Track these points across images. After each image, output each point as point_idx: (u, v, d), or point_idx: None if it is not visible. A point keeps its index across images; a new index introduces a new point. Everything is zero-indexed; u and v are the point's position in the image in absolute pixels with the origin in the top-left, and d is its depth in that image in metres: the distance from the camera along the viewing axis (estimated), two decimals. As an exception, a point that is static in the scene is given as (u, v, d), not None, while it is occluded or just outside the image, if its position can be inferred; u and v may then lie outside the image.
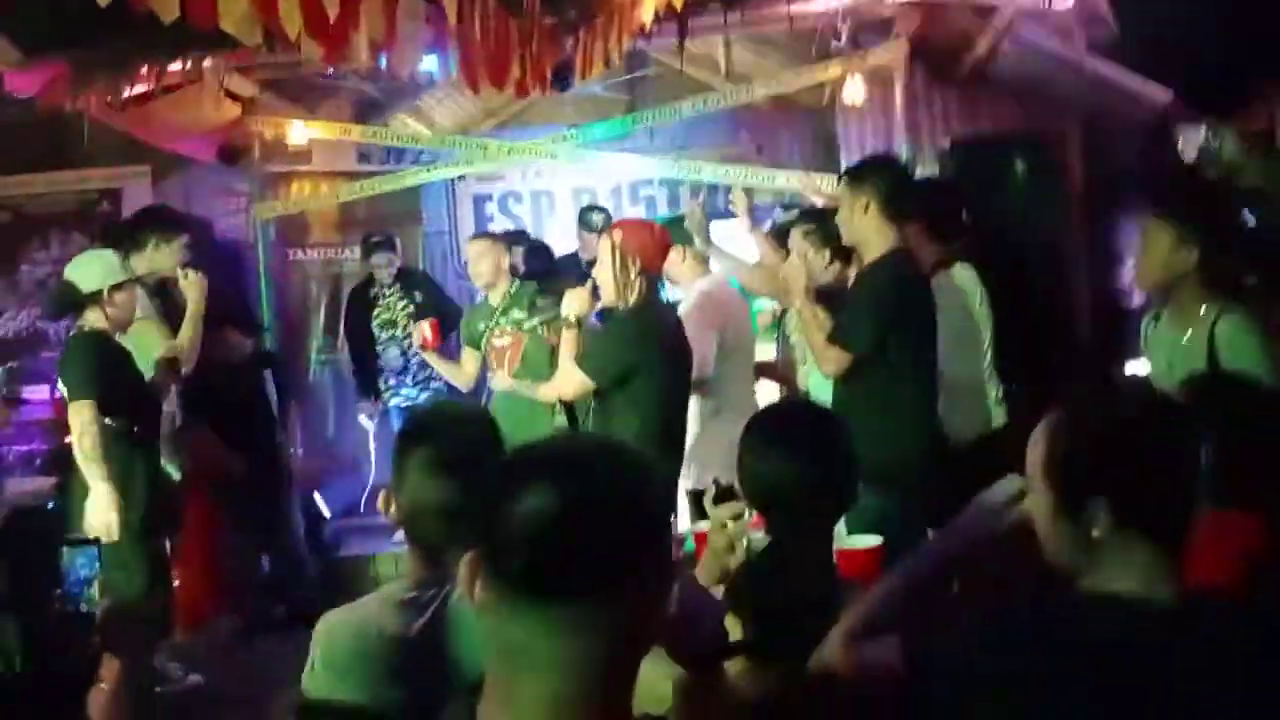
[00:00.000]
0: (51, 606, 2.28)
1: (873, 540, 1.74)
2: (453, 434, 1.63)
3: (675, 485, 3.36)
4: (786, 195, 5.59)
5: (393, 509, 1.66)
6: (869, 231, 3.05)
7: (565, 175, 6.95)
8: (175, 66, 4.63)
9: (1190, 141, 2.77)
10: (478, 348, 4.46)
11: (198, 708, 3.96)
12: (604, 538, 0.94)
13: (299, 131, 5.55)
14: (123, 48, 4.70)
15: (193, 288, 3.91)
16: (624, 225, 3.64)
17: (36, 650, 1.72)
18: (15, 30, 4.68)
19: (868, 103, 4.90)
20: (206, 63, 4.66)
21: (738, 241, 4.38)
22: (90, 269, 3.54)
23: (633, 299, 3.24)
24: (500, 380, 4.20)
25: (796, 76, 5.30)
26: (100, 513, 3.14)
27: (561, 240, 6.97)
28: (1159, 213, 2.74)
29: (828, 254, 3.55)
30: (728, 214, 5.80)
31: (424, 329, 4.33)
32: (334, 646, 1.60)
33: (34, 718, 1.71)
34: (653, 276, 3.34)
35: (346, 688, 1.57)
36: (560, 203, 7.11)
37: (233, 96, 5.34)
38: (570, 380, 3.30)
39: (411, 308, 5.50)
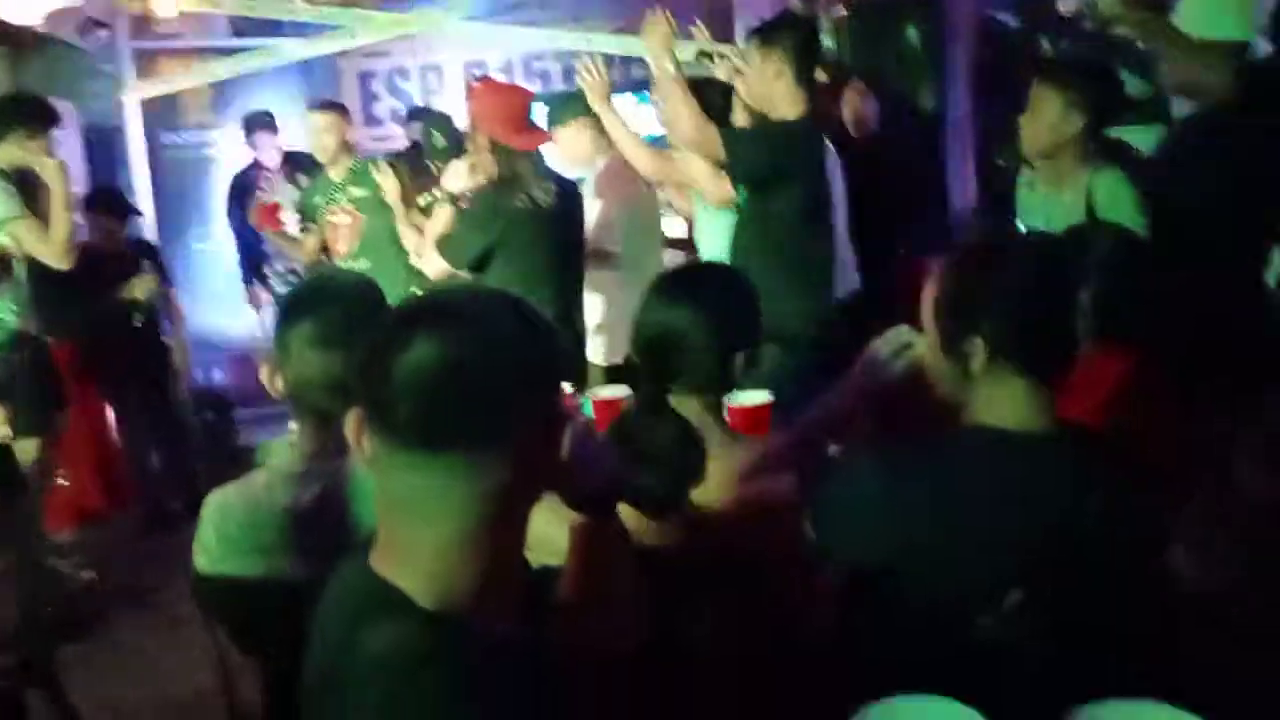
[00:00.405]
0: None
1: (761, 396, 1.77)
2: (335, 303, 1.59)
3: (567, 349, 3.30)
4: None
5: (278, 382, 1.62)
6: (779, 97, 2.95)
7: (455, 49, 6.69)
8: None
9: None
10: (315, 223, 4.37)
11: (91, 604, 3.90)
12: (484, 388, 0.93)
13: (166, 5, 5.18)
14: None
15: (55, 177, 3.57)
16: (474, 90, 3.49)
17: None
18: None
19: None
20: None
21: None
22: None
23: (485, 174, 3.14)
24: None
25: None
26: None
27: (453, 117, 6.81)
28: (1046, 78, 2.75)
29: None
30: (625, 88, 5.73)
31: (259, 209, 4.20)
32: (226, 521, 1.57)
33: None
34: (514, 150, 3.12)
35: (241, 561, 1.55)
36: (450, 79, 6.86)
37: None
38: (429, 262, 3.24)
39: (298, 193, 5.28)
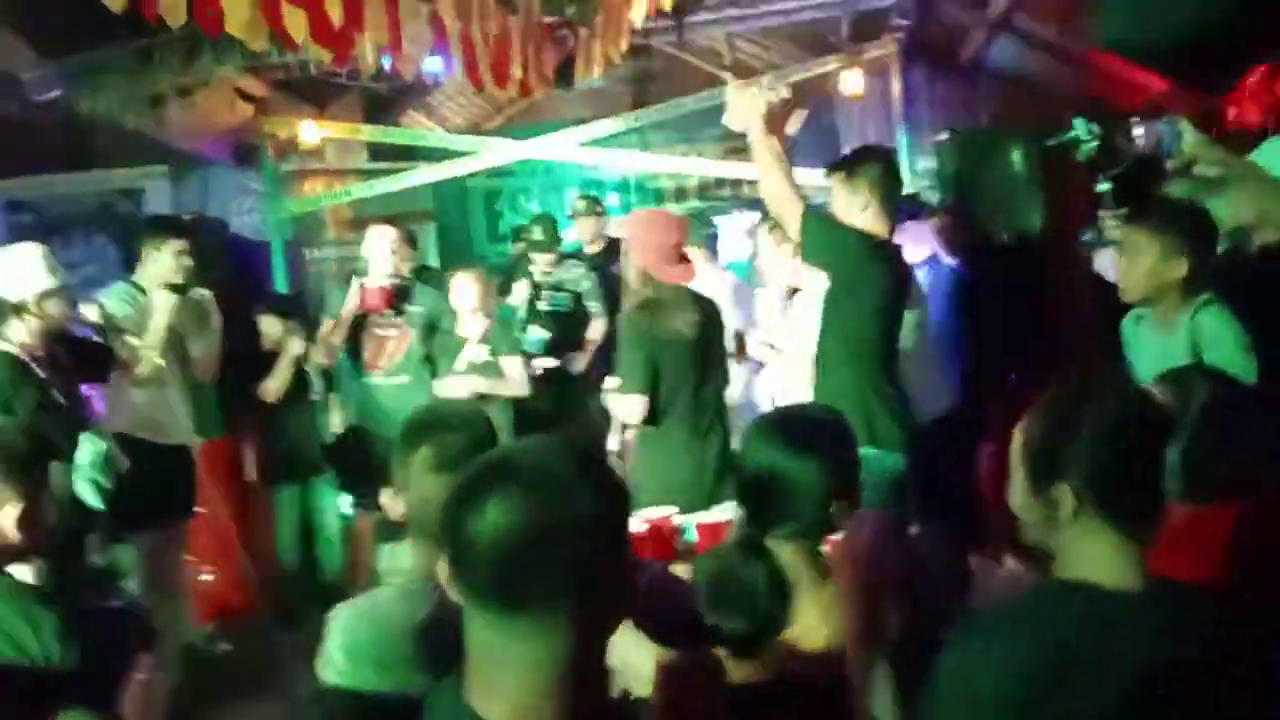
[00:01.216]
0: (83, 598, 2.39)
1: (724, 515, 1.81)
2: (452, 431, 1.72)
3: (629, 496, 3.19)
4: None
5: (399, 505, 1.76)
6: (866, 227, 2.93)
7: (573, 170, 7.05)
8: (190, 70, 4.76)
9: (1149, 134, 2.74)
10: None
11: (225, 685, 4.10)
12: (553, 551, 0.97)
13: (311, 130, 5.66)
14: (137, 50, 4.84)
15: (211, 307, 4.02)
16: (631, 217, 3.61)
17: (74, 643, 1.82)
18: (31, 33, 4.81)
19: (867, 94, 4.96)
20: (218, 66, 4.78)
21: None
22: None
23: (633, 297, 3.22)
24: (458, 383, 4.26)
25: (799, 70, 5.36)
26: None
27: (570, 234, 7.14)
28: (1139, 222, 2.69)
29: (793, 247, 3.33)
30: (737, 206, 5.94)
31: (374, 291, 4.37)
32: (352, 635, 1.69)
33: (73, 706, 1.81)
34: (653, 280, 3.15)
35: (365, 675, 1.66)
36: (569, 198, 7.21)
37: (245, 97, 5.46)
38: (618, 405, 3.25)
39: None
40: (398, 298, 4.45)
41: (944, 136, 4.54)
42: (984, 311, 3.88)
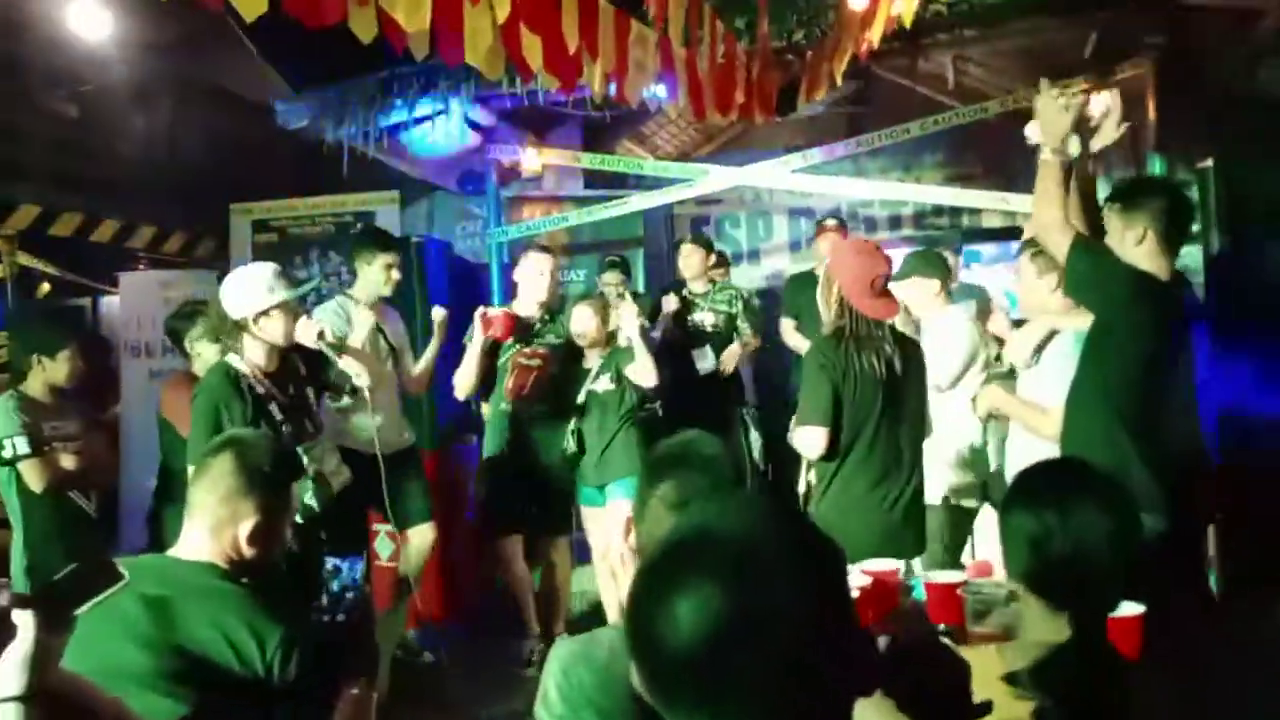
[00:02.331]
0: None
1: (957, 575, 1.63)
2: (695, 468, 1.64)
3: (838, 573, 3.06)
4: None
5: (633, 539, 1.69)
6: (1141, 263, 2.68)
7: (783, 198, 6.94)
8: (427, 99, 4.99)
9: None
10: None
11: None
12: (762, 652, 0.82)
13: (532, 158, 5.82)
14: (378, 82, 5.12)
15: (440, 327, 4.20)
16: (838, 244, 3.52)
17: (298, 659, 1.85)
18: (284, 65, 5.19)
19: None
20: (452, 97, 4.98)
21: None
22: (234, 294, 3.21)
23: (828, 324, 3.13)
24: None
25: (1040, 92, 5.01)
26: None
27: (777, 261, 7.04)
28: None
29: (1056, 277, 3.10)
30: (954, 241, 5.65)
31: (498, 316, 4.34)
32: (569, 676, 1.64)
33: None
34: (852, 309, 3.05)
35: (578, 718, 1.60)
36: (777, 226, 7.13)
37: (473, 126, 5.67)
38: (798, 438, 3.11)
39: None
40: (527, 326, 4.46)
41: (1207, 164, 4.14)
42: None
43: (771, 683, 0.82)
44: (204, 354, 3.89)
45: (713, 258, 5.61)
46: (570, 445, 4.36)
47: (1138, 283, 2.65)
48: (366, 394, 3.51)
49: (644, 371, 4.28)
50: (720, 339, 5.41)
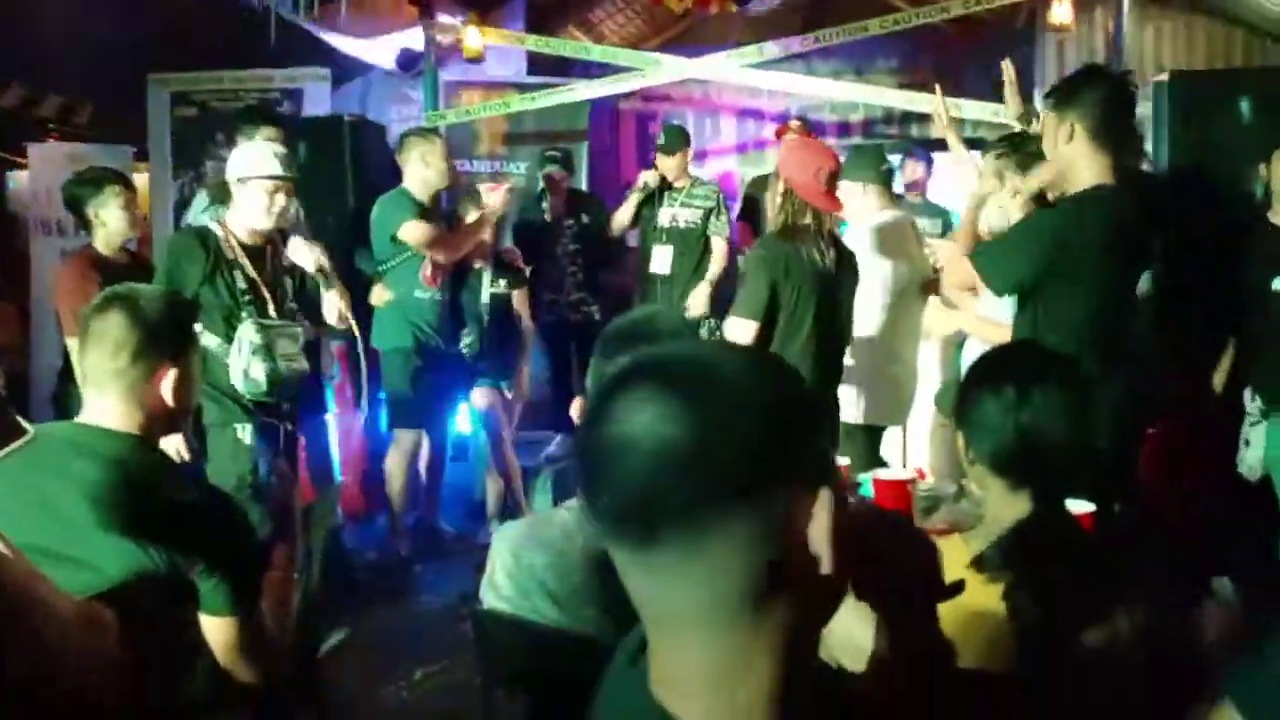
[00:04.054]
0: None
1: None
2: (650, 345, 1.54)
3: (825, 408, 3.14)
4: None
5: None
6: (1073, 161, 2.57)
7: (731, 97, 6.77)
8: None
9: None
10: None
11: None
12: (695, 458, 0.74)
13: (475, 37, 5.53)
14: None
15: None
16: (789, 142, 3.50)
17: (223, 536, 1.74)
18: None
19: (1076, 26, 4.50)
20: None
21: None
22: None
23: (773, 221, 3.18)
24: None
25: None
26: None
27: (724, 163, 6.89)
28: None
29: (1020, 179, 3.01)
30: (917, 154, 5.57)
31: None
32: (518, 561, 1.56)
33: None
34: (807, 206, 3.10)
35: (532, 604, 1.53)
36: (724, 126, 6.96)
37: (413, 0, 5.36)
38: (731, 331, 3.15)
39: (577, 229, 5.48)
40: None
41: (1162, 78, 4.08)
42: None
43: (732, 502, 0.74)
44: (110, 223, 3.68)
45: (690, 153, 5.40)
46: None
47: (1054, 229, 2.55)
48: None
49: None
50: (692, 237, 5.21)
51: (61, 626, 1.38)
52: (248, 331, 3.12)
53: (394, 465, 4.46)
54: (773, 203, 3.22)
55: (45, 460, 1.61)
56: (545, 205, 5.40)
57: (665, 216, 5.21)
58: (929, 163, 5.47)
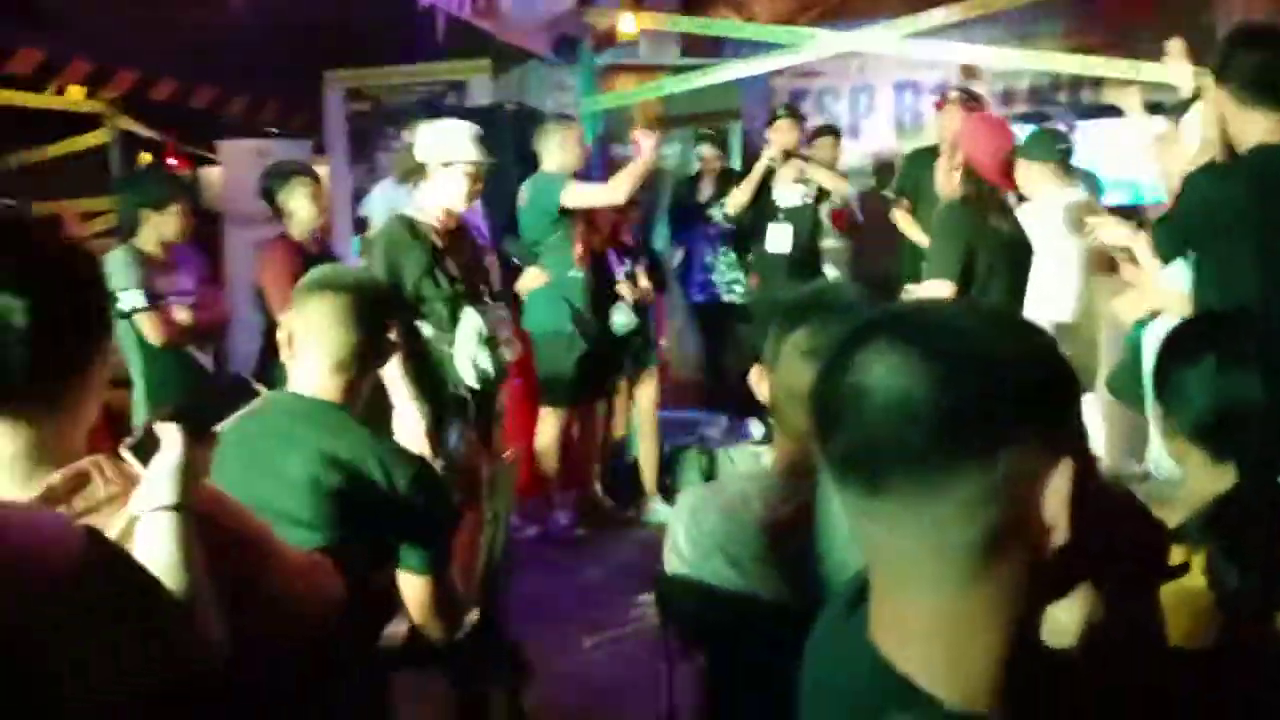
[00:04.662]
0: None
1: None
2: (834, 313, 1.56)
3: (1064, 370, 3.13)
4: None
5: (764, 388, 1.63)
6: (1233, 124, 2.44)
7: (887, 71, 6.63)
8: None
9: None
10: None
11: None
12: (940, 413, 0.74)
13: (628, 22, 5.61)
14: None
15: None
16: (970, 119, 3.55)
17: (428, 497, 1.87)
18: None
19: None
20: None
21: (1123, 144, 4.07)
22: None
23: (952, 193, 3.21)
24: None
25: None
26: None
27: (881, 138, 6.75)
28: None
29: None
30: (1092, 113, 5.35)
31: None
32: (700, 525, 1.61)
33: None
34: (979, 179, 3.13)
35: (709, 567, 1.58)
36: (880, 99, 6.81)
37: (568, -13, 5.48)
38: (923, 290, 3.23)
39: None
40: None
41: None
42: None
43: (960, 459, 0.74)
44: (298, 213, 3.91)
45: (807, 130, 5.46)
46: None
47: (1203, 192, 2.45)
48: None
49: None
50: (806, 215, 5.25)
51: (291, 578, 1.51)
52: (473, 320, 3.18)
53: (547, 443, 4.52)
54: (946, 173, 3.27)
55: (273, 425, 1.77)
56: (699, 186, 5.47)
57: (781, 194, 5.21)
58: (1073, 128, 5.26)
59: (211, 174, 7.33)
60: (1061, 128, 4.76)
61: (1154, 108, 3.76)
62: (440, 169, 3.27)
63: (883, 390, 0.76)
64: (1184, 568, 1.00)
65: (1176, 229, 2.57)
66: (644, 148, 4.25)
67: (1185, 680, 1.20)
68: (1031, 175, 3.76)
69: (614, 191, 4.35)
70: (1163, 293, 2.99)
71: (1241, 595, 1.28)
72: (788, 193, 5.25)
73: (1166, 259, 2.66)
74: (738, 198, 5.24)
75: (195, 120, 6.87)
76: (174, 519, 1.19)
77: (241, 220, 6.39)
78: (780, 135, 5.24)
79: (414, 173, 3.31)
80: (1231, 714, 1.19)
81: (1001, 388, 0.75)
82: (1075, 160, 5.20)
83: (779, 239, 5.21)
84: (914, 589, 0.79)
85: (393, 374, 2.99)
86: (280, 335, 1.94)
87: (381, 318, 1.94)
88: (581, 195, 4.35)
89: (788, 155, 5.21)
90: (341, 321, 1.85)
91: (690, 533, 1.63)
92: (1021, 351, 0.79)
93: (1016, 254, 3.22)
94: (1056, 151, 3.91)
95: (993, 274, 3.10)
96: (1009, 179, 3.24)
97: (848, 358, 0.79)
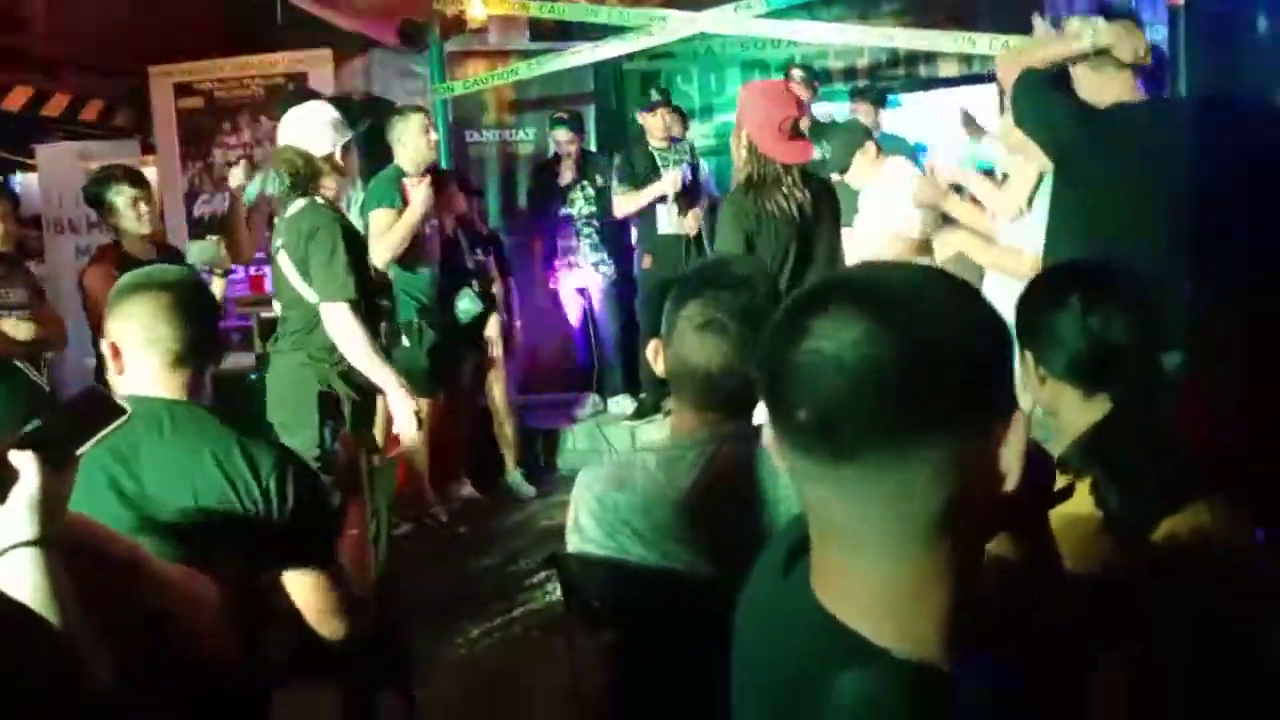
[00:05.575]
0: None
1: None
2: (725, 291, 1.55)
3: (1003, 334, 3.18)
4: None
5: (660, 362, 1.61)
6: (1093, 89, 2.53)
7: (735, 52, 6.72)
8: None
9: None
10: None
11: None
12: (903, 382, 0.75)
13: (478, 7, 5.50)
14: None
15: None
16: (745, 90, 3.33)
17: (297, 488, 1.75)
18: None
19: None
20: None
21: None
22: (316, 130, 3.13)
23: (738, 171, 3.09)
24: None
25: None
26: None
27: (730, 117, 6.83)
28: None
29: None
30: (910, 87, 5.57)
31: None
32: (601, 502, 1.58)
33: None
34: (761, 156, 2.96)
35: (619, 544, 1.55)
36: (730, 79, 6.91)
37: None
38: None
39: (591, 191, 5.51)
40: None
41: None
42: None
43: (934, 427, 0.75)
44: (125, 221, 3.65)
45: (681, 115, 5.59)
46: None
47: (1085, 121, 2.48)
48: None
49: None
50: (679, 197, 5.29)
51: (166, 593, 1.41)
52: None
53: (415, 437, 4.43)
54: (737, 153, 3.07)
55: (122, 436, 1.63)
56: (558, 170, 5.45)
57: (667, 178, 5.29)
58: (878, 102, 5.59)
59: (28, 181, 6.85)
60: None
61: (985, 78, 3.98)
62: (398, 120, 3.85)
63: (851, 360, 0.75)
64: (1070, 490, 1.03)
65: (1045, 117, 2.55)
66: (415, 199, 4.19)
67: (1083, 604, 1.25)
68: (856, 168, 4.03)
69: (382, 252, 4.14)
70: (1003, 250, 3.12)
71: (1126, 513, 1.34)
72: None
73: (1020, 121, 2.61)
74: (626, 206, 5.30)
75: (8, 120, 6.35)
76: (35, 554, 1.09)
77: (63, 228, 6.00)
78: (655, 121, 5.38)
79: (307, 172, 3.11)
80: (1131, 633, 1.24)
81: (965, 355, 0.76)
82: (912, 133, 5.51)
83: (669, 219, 5.25)
84: (870, 553, 0.79)
85: (376, 363, 2.99)
86: (104, 347, 1.78)
87: (209, 310, 1.85)
88: (375, 225, 4.23)
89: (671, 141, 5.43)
90: (169, 319, 1.72)
91: (592, 509, 1.59)
92: (977, 317, 0.80)
93: (805, 230, 3.02)
94: (865, 133, 4.17)
95: (775, 257, 2.97)
96: (794, 150, 2.99)
97: (803, 324, 0.78)
